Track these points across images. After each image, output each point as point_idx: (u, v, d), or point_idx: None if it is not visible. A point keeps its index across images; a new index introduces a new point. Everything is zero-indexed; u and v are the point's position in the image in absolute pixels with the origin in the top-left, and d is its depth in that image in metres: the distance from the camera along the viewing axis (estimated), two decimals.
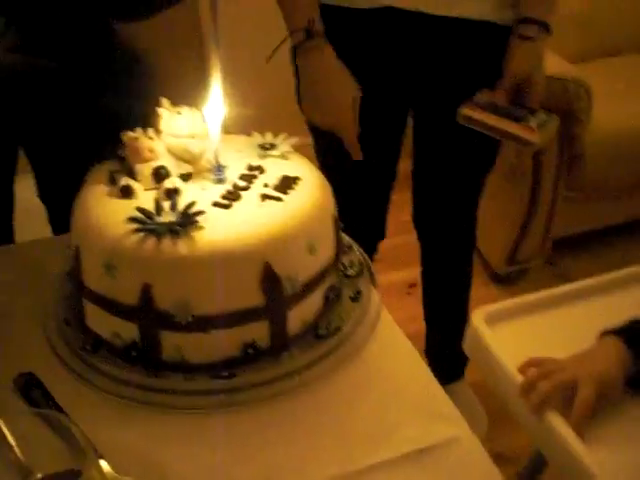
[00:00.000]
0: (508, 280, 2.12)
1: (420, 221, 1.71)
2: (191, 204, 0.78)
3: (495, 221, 2.05)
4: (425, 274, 1.80)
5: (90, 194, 0.83)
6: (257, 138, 0.91)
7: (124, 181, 0.82)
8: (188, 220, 0.76)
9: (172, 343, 0.78)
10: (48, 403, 0.77)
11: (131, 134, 0.84)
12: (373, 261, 1.74)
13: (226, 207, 0.80)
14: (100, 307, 0.80)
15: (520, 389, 0.81)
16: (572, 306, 0.94)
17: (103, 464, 0.71)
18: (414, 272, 1.86)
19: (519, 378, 0.83)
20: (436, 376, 0.83)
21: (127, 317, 0.78)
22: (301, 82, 1.28)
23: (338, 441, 0.75)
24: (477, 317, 0.91)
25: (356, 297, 0.89)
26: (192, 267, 0.75)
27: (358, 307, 0.88)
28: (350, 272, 0.93)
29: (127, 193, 0.81)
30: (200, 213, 0.77)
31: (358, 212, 1.62)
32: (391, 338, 0.87)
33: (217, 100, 0.81)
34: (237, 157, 0.88)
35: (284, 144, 0.90)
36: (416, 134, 1.57)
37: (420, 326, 1.85)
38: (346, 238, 0.97)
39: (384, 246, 2.13)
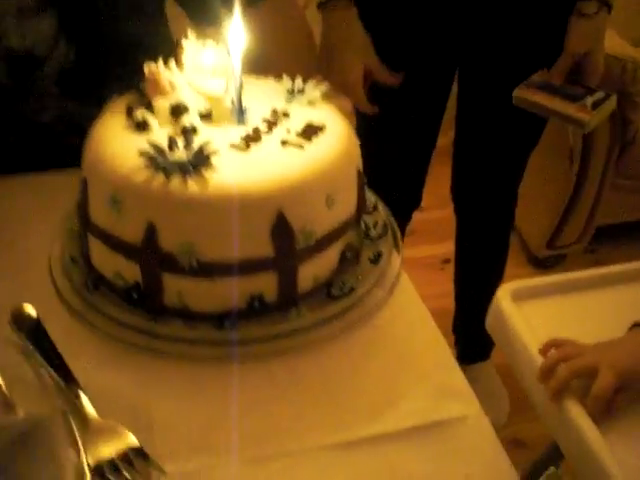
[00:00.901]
0: (545, 264, 2.05)
1: (459, 193, 1.65)
2: (206, 143, 0.74)
3: (538, 203, 1.98)
4: (459, 250, 1.74)
5: (104, 126, 0.79)
6: (286, 82, 0.86)
7: (140, 114, 0.78)
8: (201, 159, 0.72)
9: (174, 288, 0.74)
10: (43, 340, 0.74)
11: (152, 66, 0.79)
12: (406, 232, 1.69)
13: (244, 150, 0.75)
14: (104, 244, 0.76)
15: (539, 372, 0.76)
16: (607, 291, 0.88)
17: (88, 405, 0.68)
18: (449, 248, 1.81)
19: (539, 360, 0.77)
20: (461, 355, 0.79)
21: (130, 256, 0.74)
22: (321, 35, 1.25)
23: (338, 407, 0.70)
24: (503, 293, 0.85)
25: (376, 259, 0.84)
26: (200, 209, 0.71)
27: (377, 269, 0.83)
28: (373, 233, 0.88)
29: (142, 127, 0.77)
30: (214, 153, 0.73)
31: (396, 176, 1.57)
32: (408, 305, 0.82)
33: (242, 37, 0.76)
34: (262, 100, 0.83)
35: (314, 90, 0.85)
36: (460, 101, 1.50)
37: (450, 303, 1.80)
38: (372, 198, 0.92)
39: (421, 219, 2.07)
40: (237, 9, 0.75)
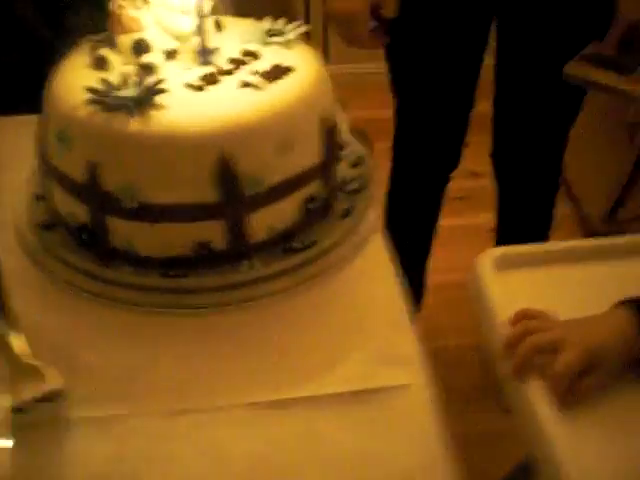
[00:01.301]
0: None
1: (499, 159, 1.56)
2: (158, 82, 0.70)
3: (597, 176, 1.86)
4: (500, 220, 1.66)
5: (68, 63, 0.77)
6: (266, 24, 0.81)
7: (101, 52, 0.75)
8: (147, 98, 0.69)
9: (120, 230, 0.72)
10: None
11: (117, 1, 0.76)
12: (453, 196, 1.62)
13: (198, 90, 0.71)
14: (57, 182, 0.75)
15: (503, 345, 0.69)
16: (604, 264, 0.80)
17: (20, 344, 0.66)
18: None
19: (507, 332, 0.71)
20: None
21: (77, 196, 0.72)
22: None
23: (273, 366, 0.67)
24: (483, 260, 0.78)
25: (346, 214, 0.79)
26: (141, 148, 0.68)
27: (344, 225, 0.78)
28: (349, 187, 0.82)
29: (100, 64, 0.75)
30: (162, 91, 0.69)
31: (431, 135, 1.50)
32: (375, 264, 0.77)
33: None
34: (236, 40, 0.79)
35: (292, 32, 0.80)
36: (499, 62, 1.41)
37: None
38: (358, 150, 0.87)
39: (475, 185, 1.99)
40: None
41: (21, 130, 0.83)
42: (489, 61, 1.40)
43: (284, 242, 0.75)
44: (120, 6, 0.76)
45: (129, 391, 0.65)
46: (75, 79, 0.73)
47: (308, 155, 0.74)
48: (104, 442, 0.61)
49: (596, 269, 0.79)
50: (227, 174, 0.68)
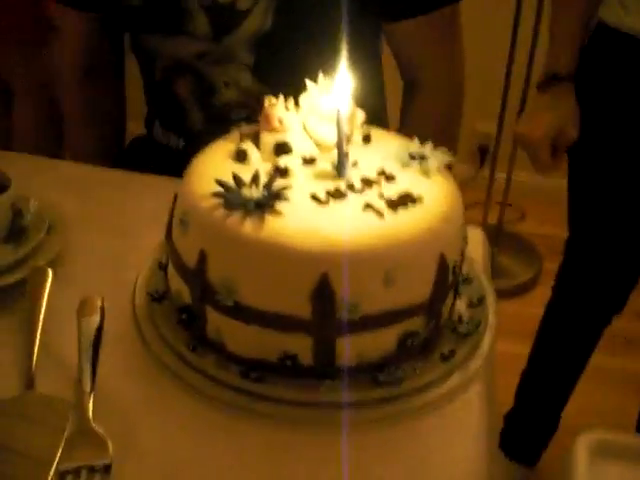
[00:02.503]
0: None
1: None
2: (284, 187, 0.71)
3: None
4: None
5: (213, 148, 0.80)
6: (412, 145, 0.80)
7: (244, 145, 0.78)
8: (267, 202, 0.70)
9: (214, 321, 0.73)
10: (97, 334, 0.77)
11: (271, 99, 0.79)
12: (614, 338, 1.52)
13: (321, 203, 0.71)
14: (172, 259, 0.77)
15: None
16: None
17: (89, 408, 0.69)
18: None
19: None
20: None
21: (184, 278, 0.74)
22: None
23: None
24: (582, 441, 0.72)
25: (448, 356, 0.75)
26: (247, 250, 0.68)
27: (443, 367, 0.74)
28: (461, 329, 0.79)
29: (240, 157, 0.77)
30: (282, 199, 0.70)
31: (602, 274, 1.42)
32: (466, 419, 0.72)
33: (347, 85, 0.73)
34: (377, 157, 0.78)
35: (435, 158, 0.78)
36: None
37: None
38: (481, 289, 0.83)
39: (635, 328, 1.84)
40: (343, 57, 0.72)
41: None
42: None
43: (373, 371, 0.73)
44: (271, 104, 0.78)
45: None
46: (212, 167, 0.76)
47: (415, 290, 0.71)
48: None
49: None
50: (324, 294, 0.67)
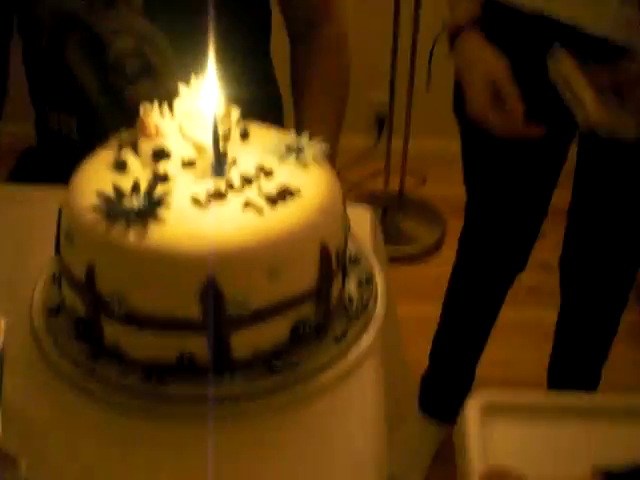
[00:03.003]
0: None
1: (566, 269, 1.52)
2: (164, 194, 0.73)
3: None
4: (560, 324, 1.60)
5: (93, 160, 0.81)
6: (289, 137, 0.83)
7: (123, 155, 0.79)
8: (149, 210, 0.71)
9: (110, 330, 0.75)
10: None
11: (146, 107, 0.80)
12: (507, 294, 1.58)
13: (202, 207, 0.73)
14: (63, 273, 0.78)
15: None
16: (599, 424, 0.76)
17: None
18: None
19: None
20: None
21: (76, 291, 0.76)
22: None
23: None
24: (473, 404, 0.77)
25: (340, 338, 0.79)
26: (133, 260, 0.70)
27: (335, 348, 0.78)
28: (351, 309, 0.82)
29: (120, 167, 0.78)
30: (165, 206, 0.72)
31: (502, 237, 1.48)
32: (361, 396, 0.77)
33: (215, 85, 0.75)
34: (255, 152, 0.81)
35: (311, 150, 0.81)
36: (579, 167, 1.38)
37: None
38: (370, 268, 0.87)
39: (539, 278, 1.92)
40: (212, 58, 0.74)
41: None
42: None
43: (269, 360, 0.76)
44: (146, 112, 0.79)
45: None
46: (92, 179, 0.77)
47: (301, 280, 0.75)
48: None
49: (582, 427, 0.76)
50: (211, 294, 0.70)
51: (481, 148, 1.39)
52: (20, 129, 1.32)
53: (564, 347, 1.61)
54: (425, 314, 1.70)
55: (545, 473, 0.68)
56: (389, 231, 2.18)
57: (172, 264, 0.69)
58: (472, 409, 0.77)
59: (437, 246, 2.19)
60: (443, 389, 1.74)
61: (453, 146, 1.50)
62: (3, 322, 0.76)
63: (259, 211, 0.73)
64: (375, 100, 2.33)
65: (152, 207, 0.72)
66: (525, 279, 1.64)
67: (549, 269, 1.99)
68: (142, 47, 1.10)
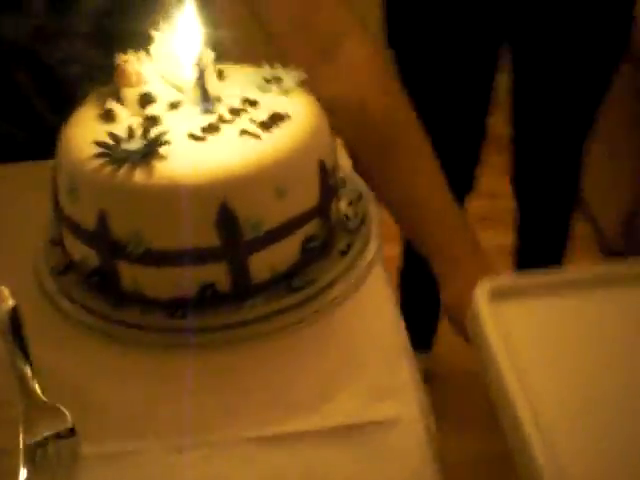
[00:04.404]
0: (624, 257, 1.93)
1: (520, 180, 1.59)
2: (162, 133, 0.75)
3: (611, 192, 1.87)
4: (520, 241, 1.68)
5: (78, 115, 0.81)
6: (264, 70, 0.85)
7: (108, 105, 0.80)
8: (150, 150, 0.73)
9: (128, 274, 0.76)
10: (15, 322, 0.78)
11: (122, 56, 0.81)
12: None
13: (200, 140, 0.75)
14: (68, 229, 0.79)
15: None
16: (611, 293, 0.81)
17: (34, 385, 0.71)
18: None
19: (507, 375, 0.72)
20: None
21: (88, 243, 0.77)
22: None
23: (271, 401, 0.70)
24: (481, 290, 0.81)
25: (346, 251, 0.83)
26: (145, 198, 0.72)
27: (344, 261, 0.82)
28: (351, 225, 0.86)
29: (108, 117, 0.79)
30: (165, 143, 0.73)
31: (445, 159, 1.53)
32: (375, 299, 0.80)
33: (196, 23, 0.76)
34: (236, 88, 0.83)
35: (290, 79, 0.84)
36: (515, 84, 1.44)
37: None
38: (359, 187, 0.90)
39: (487, 207, 2.00)
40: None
41: (37, 175, 0.88)
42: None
43: (285, 281, 0.79)
44: (124, 60, 0.80)
45: (136, 428, 0.69)
46: (84, 132, 0.78)
47: (305, 198, 0.77)
48: (113, 477, 0.65)
49: (593, 297, 0.81)
50: (227, 220, 0.72)
51: (415, 73, 1.43)
52: None
53: (527, 237, 1.68)
54: (390, 253, 1.75)
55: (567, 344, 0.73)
56: None
57: (185, 196, 0.71)
58: (481, 292, 0.80)
59: None
60: (414, 320, 1.80)
61: None
62: (5, 289, 0.76)
63: (256, 136, 0.75)
64: None
65: (154, 146, 0.73)
66: (475, 207, 1.71)
67: (496, 197, 2.08)
68: (93, 73, 1.08)
